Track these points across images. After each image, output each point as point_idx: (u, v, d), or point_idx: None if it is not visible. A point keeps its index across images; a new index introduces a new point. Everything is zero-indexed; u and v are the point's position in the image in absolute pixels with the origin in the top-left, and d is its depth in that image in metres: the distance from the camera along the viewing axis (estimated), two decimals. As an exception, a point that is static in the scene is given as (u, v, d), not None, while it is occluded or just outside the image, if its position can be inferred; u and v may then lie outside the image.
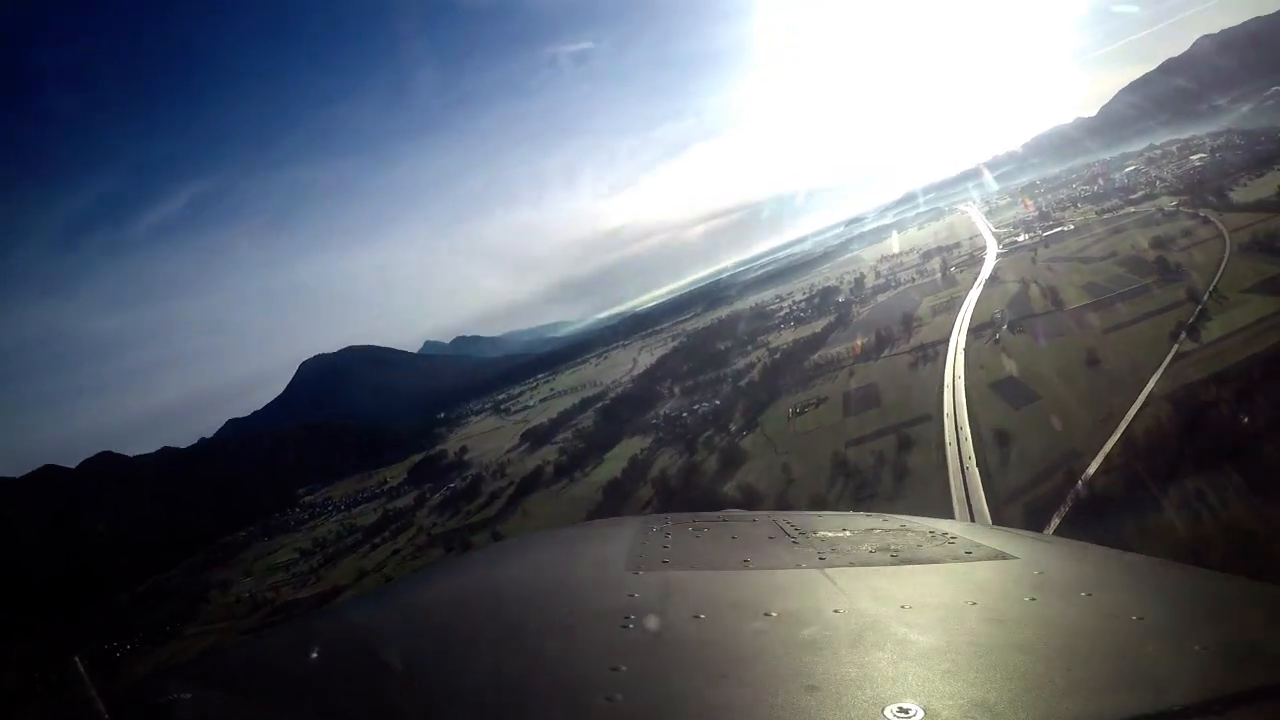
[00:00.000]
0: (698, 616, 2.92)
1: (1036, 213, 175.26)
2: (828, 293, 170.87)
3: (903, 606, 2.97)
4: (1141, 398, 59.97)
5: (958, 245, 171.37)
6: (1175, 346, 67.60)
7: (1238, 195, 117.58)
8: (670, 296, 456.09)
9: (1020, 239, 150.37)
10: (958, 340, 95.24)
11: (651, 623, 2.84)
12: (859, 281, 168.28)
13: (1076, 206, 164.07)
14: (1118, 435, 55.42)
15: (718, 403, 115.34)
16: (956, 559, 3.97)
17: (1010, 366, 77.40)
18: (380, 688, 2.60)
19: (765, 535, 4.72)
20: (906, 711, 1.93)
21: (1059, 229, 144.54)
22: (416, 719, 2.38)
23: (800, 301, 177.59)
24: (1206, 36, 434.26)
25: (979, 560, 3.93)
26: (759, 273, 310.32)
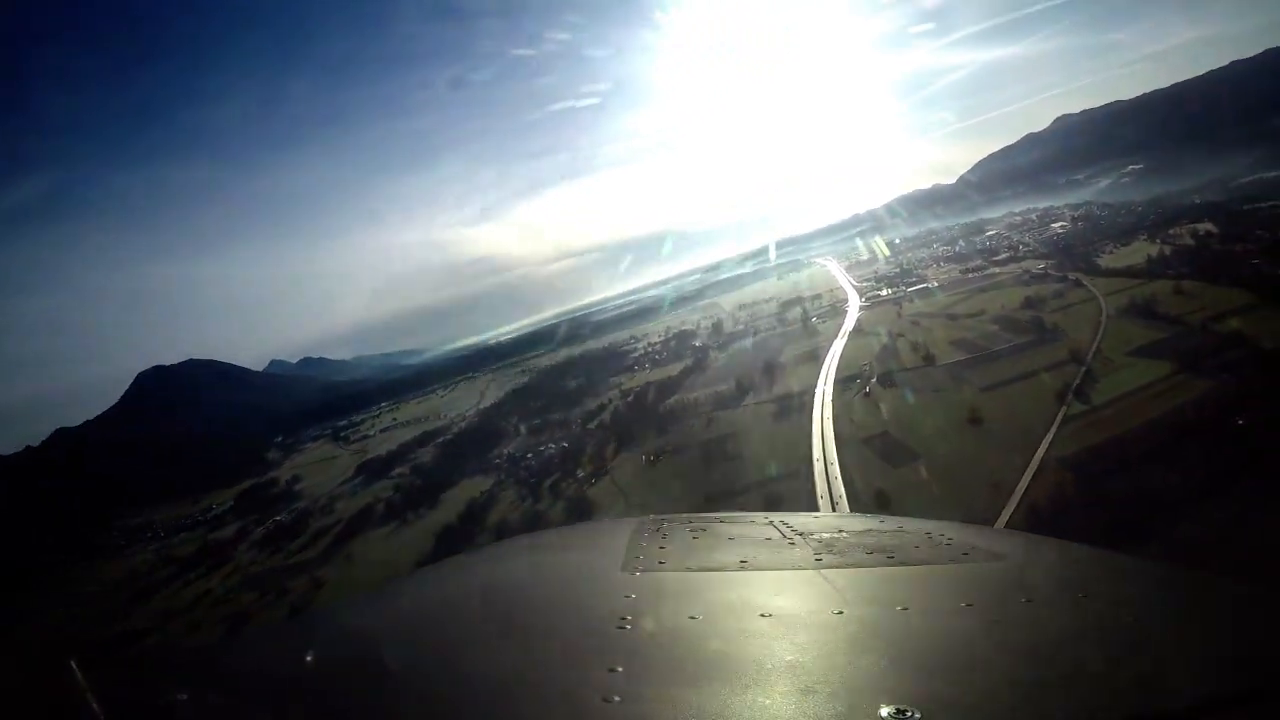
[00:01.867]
0: (694, 617, 3.02)
1: (898, 269, 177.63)
2: (684, 336, 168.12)
3: (899, 608, 3.12)
4: (1036, 461, 55.80)
5: (818, 296, 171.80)
6: (1064, 408, 64.26)
7: (1105, 261, 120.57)
8: (525, 331, 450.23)
9: (883, 293, 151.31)
10: (824, 391, 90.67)
11: (648, 624, 2.98)
12: (717, 326, 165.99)
13: (939, 265, 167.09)
14: (1015, 501, 50.57)
15: (565, 445, 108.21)
16: (953, 560, 4.17)
17: (884, 422, 72.77)
18: (376, 688, 2.67)
19: (762, 536, 4.80)
20: (903, 713, 2.02)
21: (923, 285, 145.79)
22: (412, 719, 2.47)
23: (656, 343, 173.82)
24: (1066, 115, 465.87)
25: (975, 562, 4.14)
26: (615, 313, 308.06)
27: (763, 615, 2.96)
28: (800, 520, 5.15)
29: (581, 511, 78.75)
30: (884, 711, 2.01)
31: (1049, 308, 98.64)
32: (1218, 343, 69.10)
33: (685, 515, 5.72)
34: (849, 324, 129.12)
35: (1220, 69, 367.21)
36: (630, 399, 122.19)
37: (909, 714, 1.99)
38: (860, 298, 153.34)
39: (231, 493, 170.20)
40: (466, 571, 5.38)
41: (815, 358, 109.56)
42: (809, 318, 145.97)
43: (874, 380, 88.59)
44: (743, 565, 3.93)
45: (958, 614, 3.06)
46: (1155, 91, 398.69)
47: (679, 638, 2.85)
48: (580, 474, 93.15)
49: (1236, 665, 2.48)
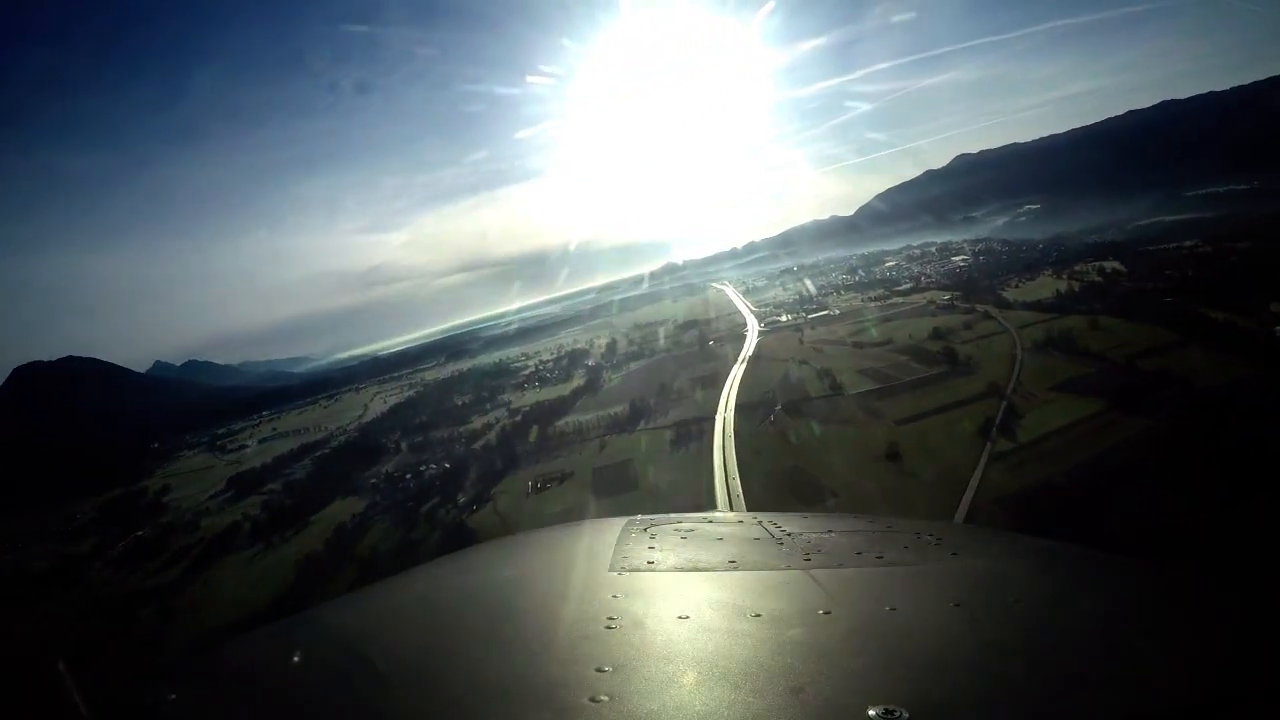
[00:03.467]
0: (682, 617, 3.07)
1: (798, 295, 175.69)
2: (577, 355, 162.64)
3: (888, 608, 3.17)
4: (966, 502, 51.19)
5: (716, 319, 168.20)
6: (990, 445, 60.00)
7: (1011, 295, 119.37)
8: (415, 343, 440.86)
9: (782, 319, 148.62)
10: (725, 418, 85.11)
11: (636, 623, 3.02)
12: (611, 346, 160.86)
13: (840, 293, 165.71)
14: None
15: (448, 466, 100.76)
16: (941, 560, 4.34)
17: (793, 454, 67.35)
18: (364, 689, 2.70)
19: (751, 536, 4.86)
20: (892, 713, 2.04)
21: (824, 312, 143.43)
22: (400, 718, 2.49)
23: (548, 361, 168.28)
24: (965, 154, 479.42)
25: (964, 561, 4.27)
26: (508, 329, 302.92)
27: (751, 615, 2.99)
28: (789, 520, 5.24)
29: (458, 543, 71.10)
30: (872, 711, 2.03)
31: (960, 339, 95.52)
32: (1147, 380, 66.66)
33: (675, 515, 5.78)
34: (748, 349, 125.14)
35: (1117, 117, 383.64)
36: (518, 419, 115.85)
37: (897, 714, 2.01)
38: (759, 323, 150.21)
39: (101, 500, 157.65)
40: (455, 571, 5.35)
41: (714, 382, 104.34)
42: (706, 341, 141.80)
43: (778, 408, 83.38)
44: (731, 565, 3.97)
45: (946, 614, 3.10)
46: (1053, 136, 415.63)
47: (667, 637, 2.85)
48: (461, 500, 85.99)
49: (1228, 665, 2.49)
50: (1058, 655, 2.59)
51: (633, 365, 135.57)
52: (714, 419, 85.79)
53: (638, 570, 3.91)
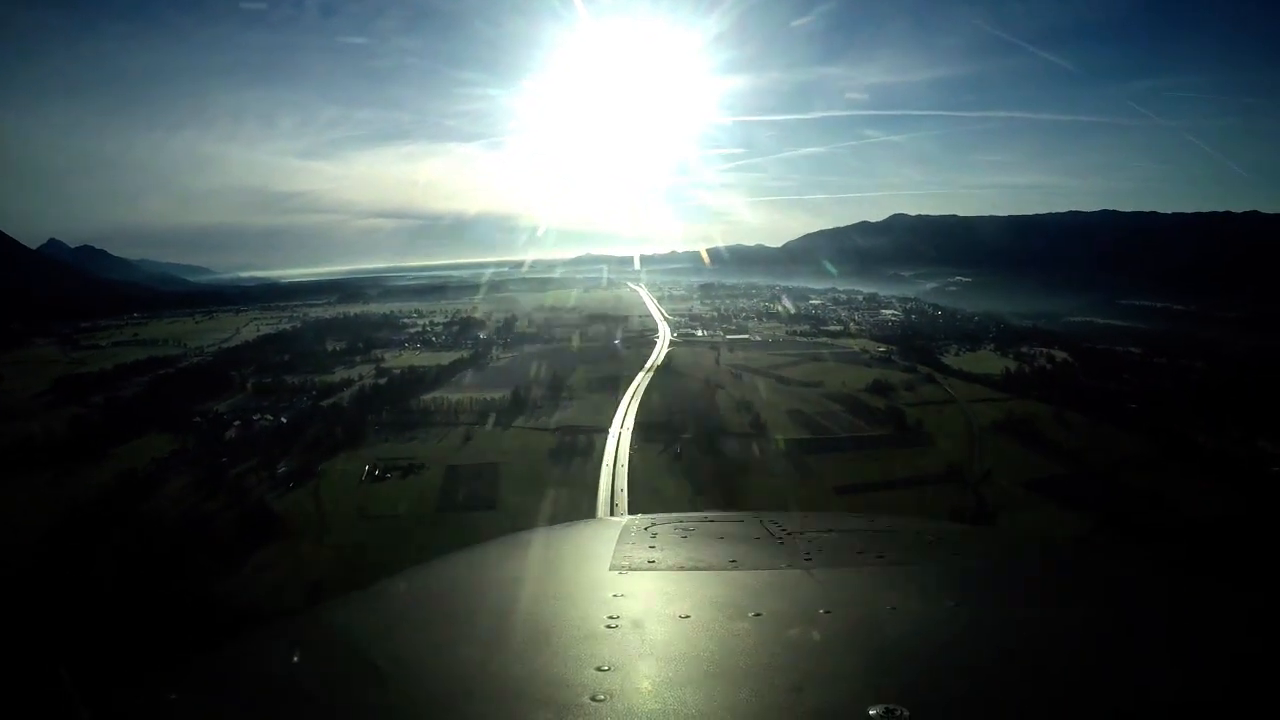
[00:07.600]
0: (683, 616, 3.08)
1: (715, 313, 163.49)
2: (470, 324, 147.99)
3: (889, 607, 3.22)
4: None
5: (626, 318, 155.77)
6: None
7: (952, 362, 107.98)
8: (318, 278, 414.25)
9: (698, 333, 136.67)
10: (620, 435, 70.66)
11: (637, 623, 3.02)
12: (509, 322, 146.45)
13: (761, 320, 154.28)
14: None
15: (284, 421, 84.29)
16: (942, 559, 4.38)
17: (702, 506, 51.55)
18: (365, 688, 2.71)
19: (751, 535, 4.91)
20: (892, 712, 2.02)
21: (744, 336, 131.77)
22: (401, 718, 2.50)
23: (438, 324, 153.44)
24: (902, 215, 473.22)
25: (965, 561, 4.34)
26: (412, 282, 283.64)
27: (751, 615, 2.99)
28: (789, 520, 5.18)
29: (255, 529, 54.22)
30: (873, 711, 2.00)
31: (903, 399, 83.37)
32: (1140, 501, 55.66)
33: (675, 515, 5.77)
34: (657, 357, 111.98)
35: (1060, 214, 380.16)
36: (384, 381, 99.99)
37: (898, 713, 1.99)
38: (672, 331, 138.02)
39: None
40: (456, 570, 5.39)
41: (614, 386, 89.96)
42: (612, 338, 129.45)
43: (686, 437, 68.78)
44: (732, 564, 3.97)
45: (947, 613, 3.15)
46: (994, 216, 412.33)
47: (668, 637, 2.89)
48: (281, 469, 69.16)
49: (1228, 665, 2.52)
50: (1058, 655, 2.62)
51: (526, 347, 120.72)
52: (607, 432, 71.41)
53: (638, 569, 3.90)
